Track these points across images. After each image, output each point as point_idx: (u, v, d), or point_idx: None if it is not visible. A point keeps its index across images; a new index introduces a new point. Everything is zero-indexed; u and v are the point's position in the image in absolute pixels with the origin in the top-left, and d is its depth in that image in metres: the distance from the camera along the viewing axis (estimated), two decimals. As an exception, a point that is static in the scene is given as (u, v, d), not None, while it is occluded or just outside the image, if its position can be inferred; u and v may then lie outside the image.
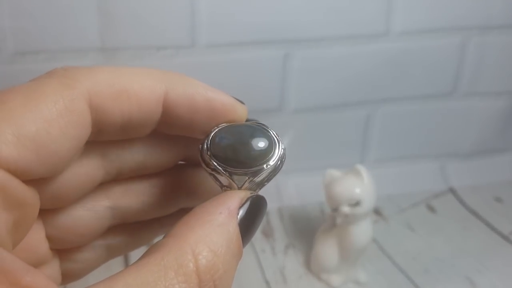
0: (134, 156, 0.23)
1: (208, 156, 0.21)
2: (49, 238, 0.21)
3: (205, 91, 0.21)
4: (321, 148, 0.57)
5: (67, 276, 0.23)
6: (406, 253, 0.49)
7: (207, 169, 0.21)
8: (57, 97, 0.18)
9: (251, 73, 0.51)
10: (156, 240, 0.19)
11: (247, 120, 0.23)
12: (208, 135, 0.21)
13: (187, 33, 0.47)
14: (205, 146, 0.21)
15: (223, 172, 0.20)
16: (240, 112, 0.22)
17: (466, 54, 0.56)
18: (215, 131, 0.21)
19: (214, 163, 0.20)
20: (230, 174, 0.20)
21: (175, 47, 0.48)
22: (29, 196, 0.18)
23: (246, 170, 0.20)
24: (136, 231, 0.25)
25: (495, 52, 0.56)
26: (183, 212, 0.26)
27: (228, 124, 0.22)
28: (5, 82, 0.45)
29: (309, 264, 0.47)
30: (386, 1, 0.51)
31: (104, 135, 0.20)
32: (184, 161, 0.25)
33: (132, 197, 0.24)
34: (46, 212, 0.21)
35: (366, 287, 0.45)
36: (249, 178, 0.20)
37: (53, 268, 0.22)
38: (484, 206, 0.56)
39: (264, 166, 0.20)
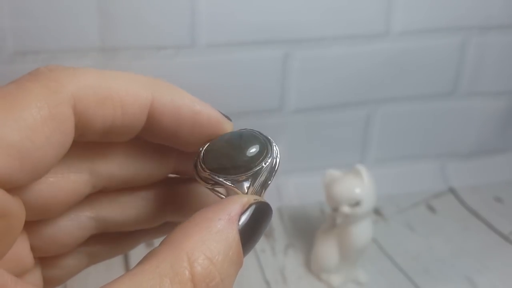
0: (123, 170, 0.22)
1: (205, 173, 0.20)
2: (33, 248, 0.21)
3: (192, 104, 0.20)
4: (321, 148, 0.57)
5: (49, 282, 0.23)
6: (406, 253, 0.49)
7: (208, 185, 0.20)
8: (42, 102, 0.17)
9: (251, 73, 0.51)
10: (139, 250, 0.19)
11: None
12: (198, 154, 0.21)
13: (187, 33, 0.47)
14: (199, 165, 0.20)
15: (225, 183, 0.20)
16: (226, 128, 0.21)
17: (466, 54, 0.56)
18: (204, 148, 0.21)
19: (214, 176, 0.20)
20: (232, 182, 0.20)
21: (175, 47, 0.48)
22: (14, 206, 0.17)
23: (246, 173, 0.20)
24: (119, 239, 0.25)
25: (495, 52, 0.56)
26: (168, 224, 0.25)
27: (214, 138, 0.21)
28: (5, 82, 0.45)
29: (309, 264, 0.47)
30: (386, 1, 0.51)
31: (84, 138, 0.19)
32: (174, 173, 0.24)
33: (117, 209, 0.23)
34: (31, 224, 0.20)
35: (366, 287, 0.45)
36: (252, 180, 0.20)
37: (35, 275, 0.22)
38: (484, 206, 0.56)
39: (263, 164, 0.20)
